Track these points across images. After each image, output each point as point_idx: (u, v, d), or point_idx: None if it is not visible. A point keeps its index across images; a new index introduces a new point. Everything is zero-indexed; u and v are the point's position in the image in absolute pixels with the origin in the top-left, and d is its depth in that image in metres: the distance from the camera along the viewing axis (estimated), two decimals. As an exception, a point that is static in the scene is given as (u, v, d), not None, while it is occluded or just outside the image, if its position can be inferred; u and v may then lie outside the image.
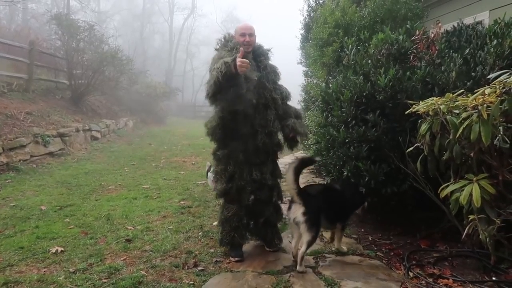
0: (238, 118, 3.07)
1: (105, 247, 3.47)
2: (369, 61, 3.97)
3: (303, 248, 2.97)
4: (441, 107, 2.46)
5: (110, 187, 6.02)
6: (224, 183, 3.23)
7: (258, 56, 3.24)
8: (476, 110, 2.21)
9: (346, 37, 4.75)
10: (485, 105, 2.16)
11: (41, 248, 3.43)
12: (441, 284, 2.81)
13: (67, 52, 11.64)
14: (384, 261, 3.25)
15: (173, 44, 33.94)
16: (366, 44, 4.25)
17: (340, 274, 2.97)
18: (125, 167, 7.87)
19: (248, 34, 3.13)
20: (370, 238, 3.79)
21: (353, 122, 3.80)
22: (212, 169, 3.90)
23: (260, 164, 3.21)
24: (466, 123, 2.24)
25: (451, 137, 2.43)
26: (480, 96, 2.21)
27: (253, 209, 3.30)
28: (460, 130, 2.27)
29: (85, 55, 12.15)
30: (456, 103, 2.43)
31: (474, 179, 2.35)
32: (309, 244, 2.98)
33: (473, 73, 3.39)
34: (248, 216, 3.33)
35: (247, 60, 2.70)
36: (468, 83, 3.31)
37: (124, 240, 3.63)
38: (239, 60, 2.67)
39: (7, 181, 6.00)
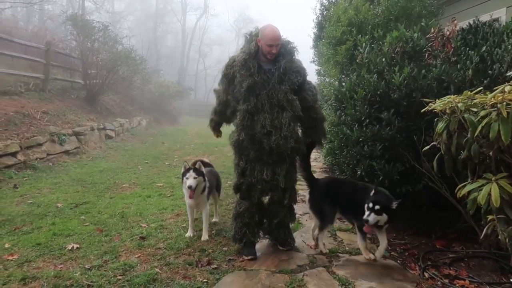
0: (248, 117, 3.12)
1: (120, 244, 3.51)
2: (383, 59, 3.93)
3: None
4: (459, 105, 2.41)
5: (124, 185, 6.09)
6: (237, 177, 3.31)
7: (277, 56, 3.15)
8: (495, 108, 2.17)
9: (360, 35, 4.71)
10: (504, 103, 2.12)
11: (58, 245, 3.49)
12: (457, 285, 2.77)
13: (82, 52, 11.82)
14: (398, 261, 3.22)
15: (185, 43, 34.12)
16: (380, 42, 4.21)
17: (354, 273, 2.95)
18: (139, 166, 7.95)
19: (276, 45, 3.05)
20: (384, 238, 3.75)
21: (367, 120, 3.77)
22: (190, 172, 3.62)
23: (273, 164, 3.18)
24: (484, 121, 2.20)
25: (469, 135, 2.39)
26: (500, 94, 2.17)
27: (267, 209, 3.30)
28: (479, 129, 2.23)
29: (100, 55, 12.32)
30: (474, 101, 2.39)
31: (493, 178, 2.31)
32: (320, 228, 3.42)
33: (490, 71, 3.33)
34: (261, 215, 3.32)
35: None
36: (484, 81, 3.26)
37: (138, 238, 3.67)
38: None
39: (24, 179, 6.12)
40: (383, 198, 3.03)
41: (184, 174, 3.65)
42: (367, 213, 2.99)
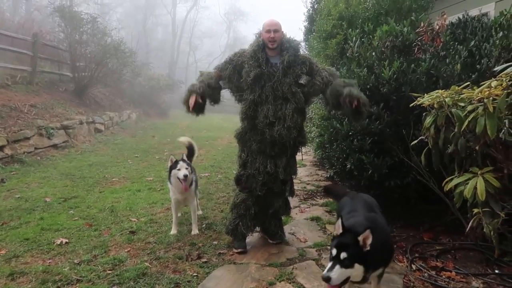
0: (252, 107, 3.16)
1: (109, 239, 3.50)
2: (373, 54, 3.93)
3: None
4: (447, 99, 2.44)
5: (113, 179, 6.05)
6: (238, 169, 3.38)
7: (282, 50, 3.20)
8: (482, 103, 2.20)
9: (350, 29, 4.70)
10: (491, 98, 2.15)
11: (46, 240, 3.46)
12: (443, 276, 2.82)
13: (70, 44, 11.63)
14: (387, 254, 3.26)
15: (176, 36, 33.81)
16: (370, 36, 4.22)
17: (343, 266, 2.97)
18: (128, 160, 7.90)
19: (273, 30, 3.11)
20: (373, 231, 3.79)
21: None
22: (181, 163, 3.58)
23: (275, 156, 3.22)
24: (471, 116, 2.23)
25: (456, 130, 2.42)
26: (486, 89, 2.20)
27: (263, 199, 3.31)
28: (466, 123, 2.26)
29: (88, 47, 12.15)
30: (462, 95, 2.42)
31: (479, 172, 2.35)
32: None
33: (478, 66, 3.36)
34: (258, 208, 3.33)
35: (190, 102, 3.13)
36: (473, 76, 3.29)
37: (128, 232, 3.66)
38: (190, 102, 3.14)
39: (12, 173, 6.04)
40: (353, 240, 1.91)
41: (173, 167, 3.57)
42: (328, 265, 1.91)
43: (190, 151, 4.28)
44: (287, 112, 3.11)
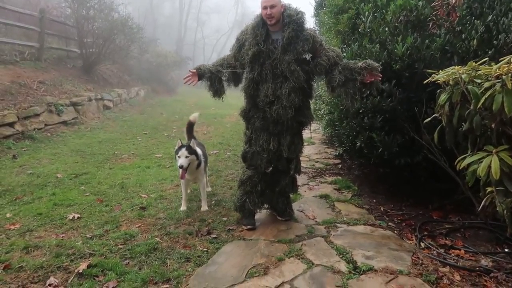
0: (252, 86, 3.15)
1: (120, 214, 3.55)
2: (386, 29, 3.83)
3: None
4: (463, 76, 2.37)
5: (123, 156, 6.10)
6: (244, 146, 3.40)
7: (283, 26, 3.09)
8: (500, 80, 2.13)
9: (363, 4, 4.57)
10: (509, 75, 2.08)
11: (59, 215, 3.52)
12: (452, 254, 2.83)
13: (77, 20, 11.52)
14: (395, 232, 3.27)
15: (183, 12, 33.30)
16: (384, 11, 4.09)
17: (352, 243, 2.99)
18: (137, 136, 7.93)
19: (270, 6, 3.00)
20: (382, 209, 3.80)
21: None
22: (183, 150, 3.50)
23: (278, 134, 3.20)
24: (488, 93, 2.17)
25: (471, 107, 2.36)
26: (505, 65, 2.12)
27: (270, 177, 3.31)
28: (482, 100, 2.20)
29: (95, 23, 12.01)
30: (479, 72, 2.34)
31: (494, 150, 2.30)
32: None
33: (495, 41, 3.25)
34: (264, 184, 3.34)
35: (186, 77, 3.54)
36: (489, 52, 3.19)
37: (138, 208, 3.71)
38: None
39: (23, 149, 6.11)
40: None
41: (176, 152, 3.53)
42: None
43: (189, 125, 4.40)
44: (283, 91, 3.05)
